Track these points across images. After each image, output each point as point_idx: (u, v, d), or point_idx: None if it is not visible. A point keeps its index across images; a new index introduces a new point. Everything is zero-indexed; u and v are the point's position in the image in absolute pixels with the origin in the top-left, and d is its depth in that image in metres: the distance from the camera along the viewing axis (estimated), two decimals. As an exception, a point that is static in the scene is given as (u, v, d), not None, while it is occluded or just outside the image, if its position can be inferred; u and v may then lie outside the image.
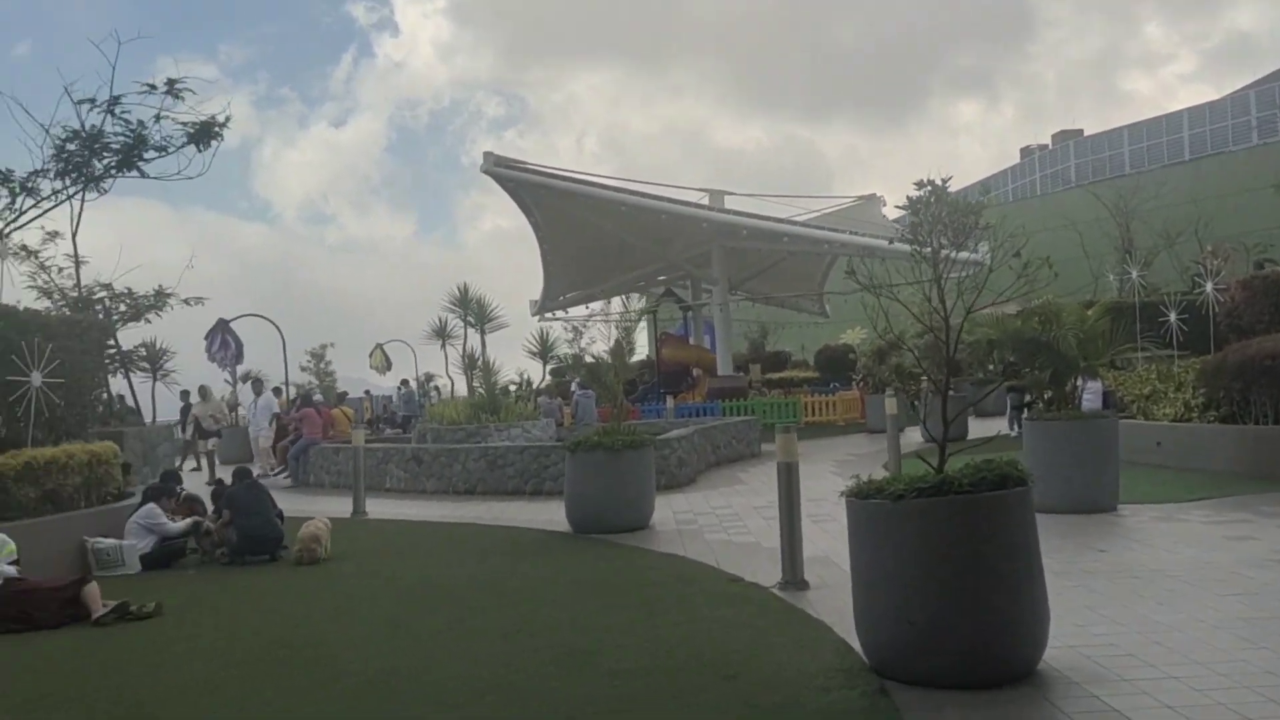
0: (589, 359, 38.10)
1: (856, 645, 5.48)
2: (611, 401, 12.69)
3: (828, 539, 9.31)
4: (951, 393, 5.72)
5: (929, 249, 5.76)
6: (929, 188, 5.93)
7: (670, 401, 27.30)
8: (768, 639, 6.05)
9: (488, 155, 30.50)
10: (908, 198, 5.97)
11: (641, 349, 46.80)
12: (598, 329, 47.25)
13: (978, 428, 21.09)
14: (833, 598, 6.96)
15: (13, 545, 8.43)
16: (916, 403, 18.70)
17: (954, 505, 4.92)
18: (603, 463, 10.86)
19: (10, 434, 10.70)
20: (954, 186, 6.17)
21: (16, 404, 10.56)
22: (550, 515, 12.19)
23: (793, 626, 6.36)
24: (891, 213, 38.52)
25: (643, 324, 45.43)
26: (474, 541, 10.83)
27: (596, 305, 42.00)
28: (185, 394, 22.82)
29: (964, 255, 5.96)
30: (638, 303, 44.10)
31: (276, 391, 24.75)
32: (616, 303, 44.24)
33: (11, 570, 8.05)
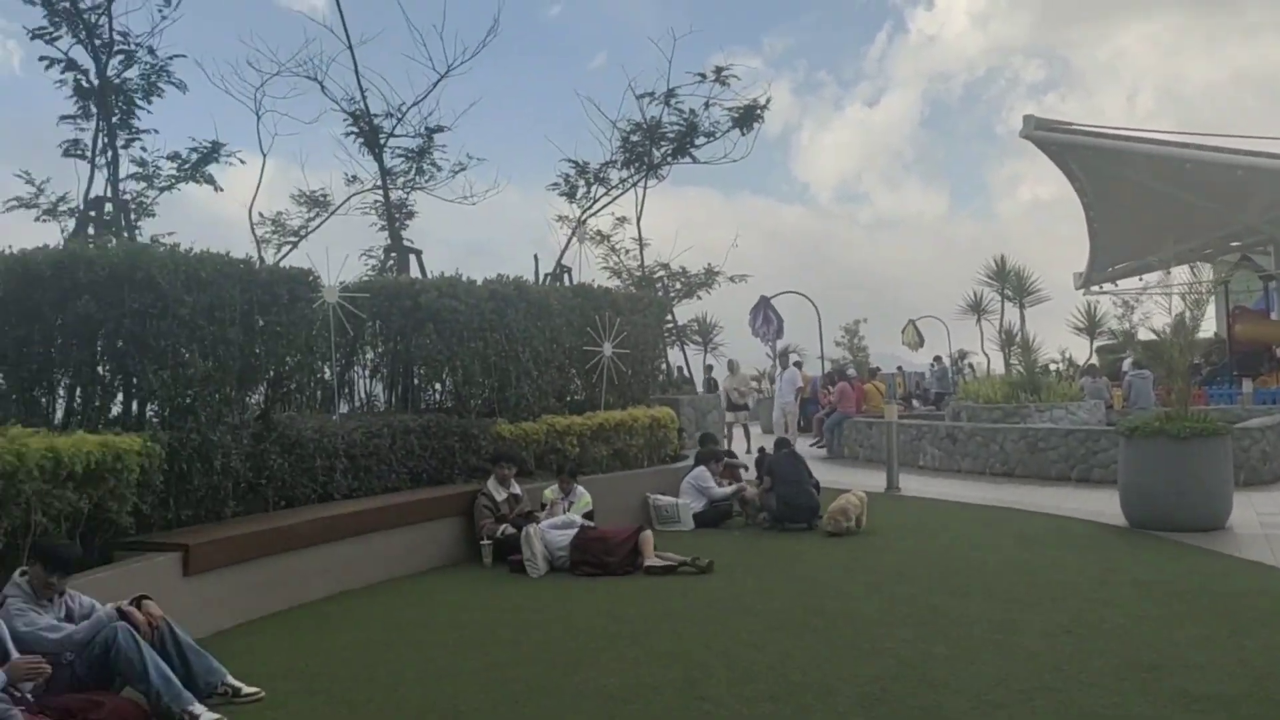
0: (1146, 335, 34.36)
1: None
2: (1174, 383, 11.18)
3: None
4: None
5: None
6: None
7: (1247, 385, 23.69)
8: (1404, 682, 4.84)
9: (1028, 119, 28.65)
10: None
11: (1207, 326, 41.18)
12: (1154, 302, 42.33)
13: None
14: None
15: (589, 498, 9.52)
16: None
17: None
18: (1166, 451, 9.59)
19: (587, 397, 12.16)
20: None
21: (591, 371, 11.96)
22: (1100, 506, 11.10)
23: None
24: None
25: (1211, 297, 39.95)
26: (1013, 527, 10.18)
27: (1152, 276, 37.62)
28: (709, 368, 24.39)
29: None
30: (1205, 274, 38.84)
31: (798, 365, 25.56)
32: (1177, 273, 39.32)
33: (580, 519, 9.06)
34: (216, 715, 4.76)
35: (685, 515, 10.86)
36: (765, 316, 26.35)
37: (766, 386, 30.26)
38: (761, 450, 12.19)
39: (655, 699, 4.92)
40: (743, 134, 17.22)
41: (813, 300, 31.14)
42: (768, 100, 17.12)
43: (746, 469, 12.29)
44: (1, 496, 5.43)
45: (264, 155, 16.21)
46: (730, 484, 11.48)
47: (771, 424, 23.57)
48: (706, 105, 17.01)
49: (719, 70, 16.71)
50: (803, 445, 19.84)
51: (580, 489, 9.60)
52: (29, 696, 4.43)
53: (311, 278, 8.48)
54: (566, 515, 9.05)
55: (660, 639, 6.11)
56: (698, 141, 17.31)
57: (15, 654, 4.51)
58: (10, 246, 7.06)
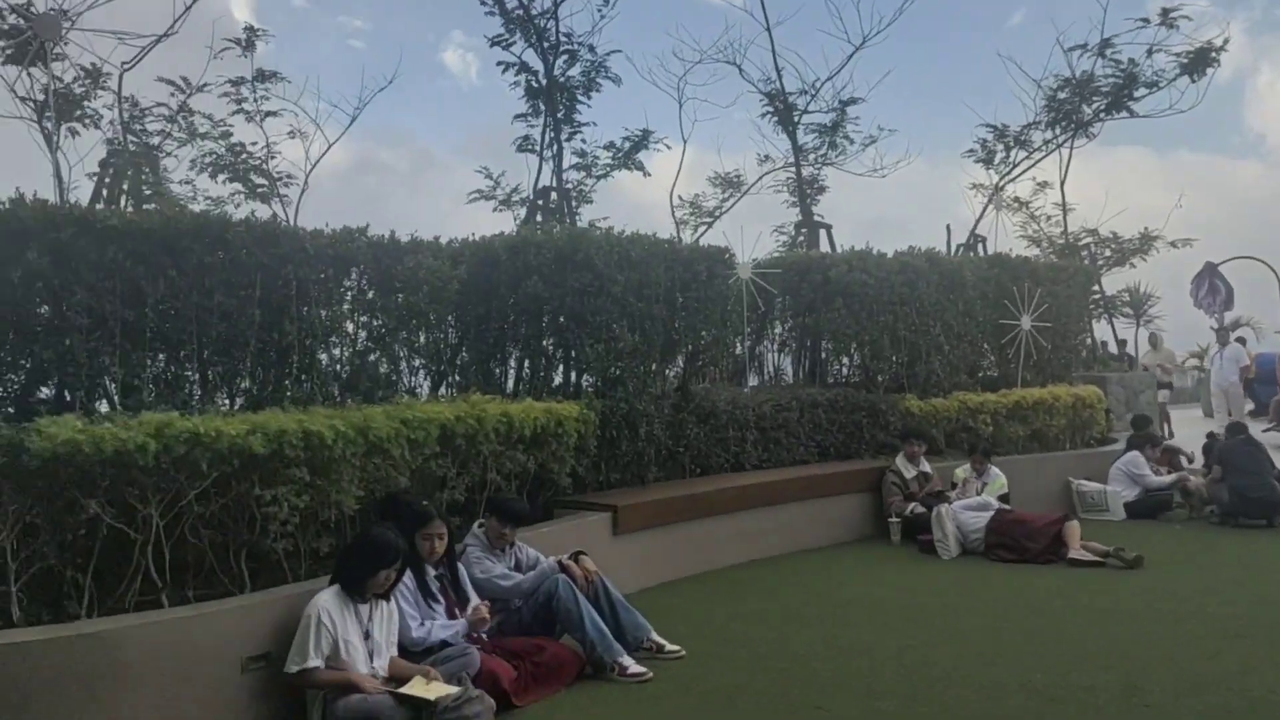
0: None
1: None
2: None
3: None
4: None
5: None
6: None
7: None
8: None
9: None
10: None
11: None
12: None
13: None
14: None
15: (1004, 479, 9.03)
16: None
17: None
18: None
19: (1001, 374, 11.54)
20: None
21: (1008, 346, 11.32)
22: None
23: None
24: None
25: None
26: None
27: None
28: (1122, 343, 21.98)
29: None
30: None
31: (1242, 341, 22.42)
32: None
33: (995, 501, 8.59)
34: (643, 669, 5.10)
35: (1115, 504, 9.96)
36: (1211, 285, 23.47)
37: (1207, 364, 26.93)
38: (1211, 436, 10.90)
39: (1090, 700, 4.56)
40: (1193, 81, 15.37)
41: (1273, 267, 27.20)
42: (1225, 41, 15.13)
43: (1191, 458, 11.04)
44: (464, 455, 6.16)
45: (684, 141, 17.29)
46: (1169, 472, 10.37)
47: (1211, 408, 20.98)
48: (1149, 53, 15.37)
49: (1165, 12, 14.99)
50: (1253, 431, 17.46)
51: (995, 470, 9.11)
52: (483, 637, 5.02)
53: (727, 255, 8.77)
54: (981, 497, 8.65)
55: (1088, 636, 5.65)
56: (1137, 94, 15.71)
57: (474, 597, 5.11)
58: (474, 234, 7.98)
